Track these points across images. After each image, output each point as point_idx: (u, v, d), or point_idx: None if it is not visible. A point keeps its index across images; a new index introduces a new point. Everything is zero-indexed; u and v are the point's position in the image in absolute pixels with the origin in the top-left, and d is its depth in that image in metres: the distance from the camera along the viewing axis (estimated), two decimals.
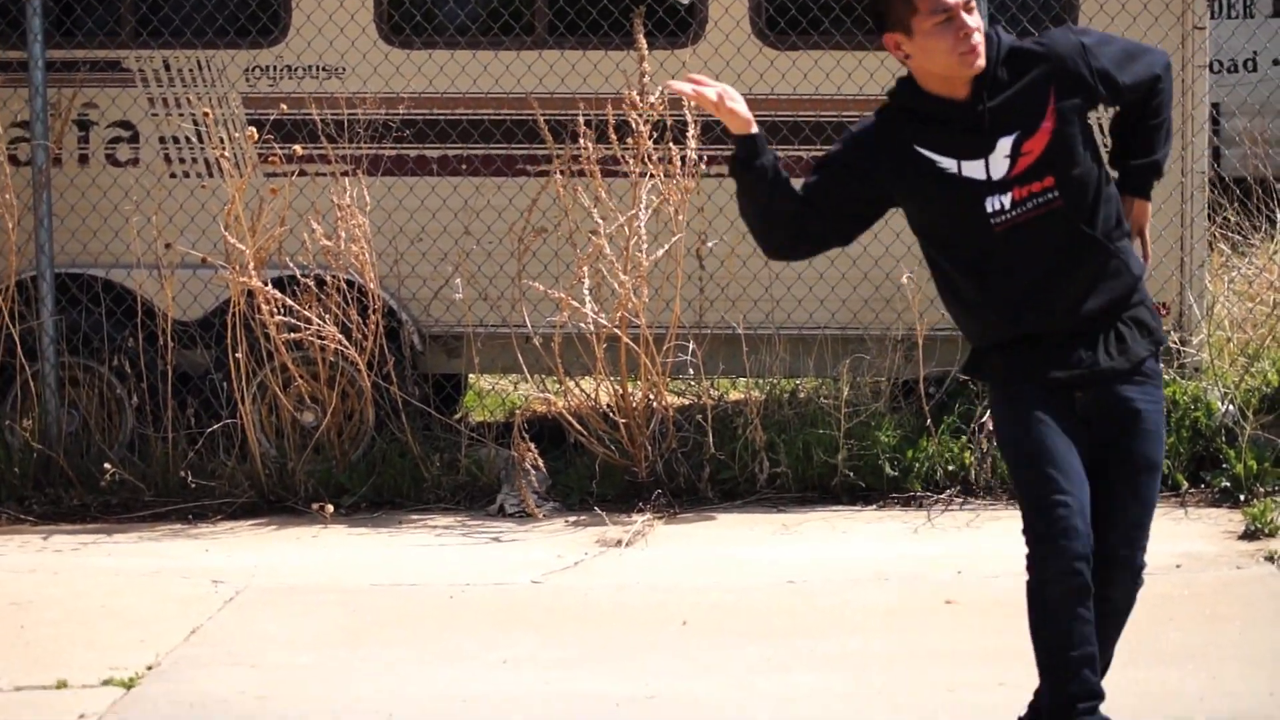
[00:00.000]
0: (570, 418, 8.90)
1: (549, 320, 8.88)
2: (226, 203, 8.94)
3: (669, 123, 8.71)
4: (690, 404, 9.37)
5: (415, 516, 8.91)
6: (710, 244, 9.06)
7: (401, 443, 9.08)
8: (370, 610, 7.47)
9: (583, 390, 9.08)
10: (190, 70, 9.45)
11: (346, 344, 8.92)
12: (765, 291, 9.22)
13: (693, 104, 8.59)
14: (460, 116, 9.36)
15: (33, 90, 9.27)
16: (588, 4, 9.27)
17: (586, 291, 8.67)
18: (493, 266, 9.30)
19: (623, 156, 8.72)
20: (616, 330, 8.73)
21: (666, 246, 8.75)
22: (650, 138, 8.68)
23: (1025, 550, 5.12)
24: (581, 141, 8.69)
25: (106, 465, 8.98)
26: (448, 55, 9.35)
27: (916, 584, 7.62)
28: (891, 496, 8.84)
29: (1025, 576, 5.12)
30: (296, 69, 9.43)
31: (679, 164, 8.69)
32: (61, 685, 6.57)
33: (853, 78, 9.14)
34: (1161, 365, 5.31)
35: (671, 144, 8.70)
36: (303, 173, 9.14)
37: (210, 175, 9.37)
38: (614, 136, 8.65)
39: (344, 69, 9.40)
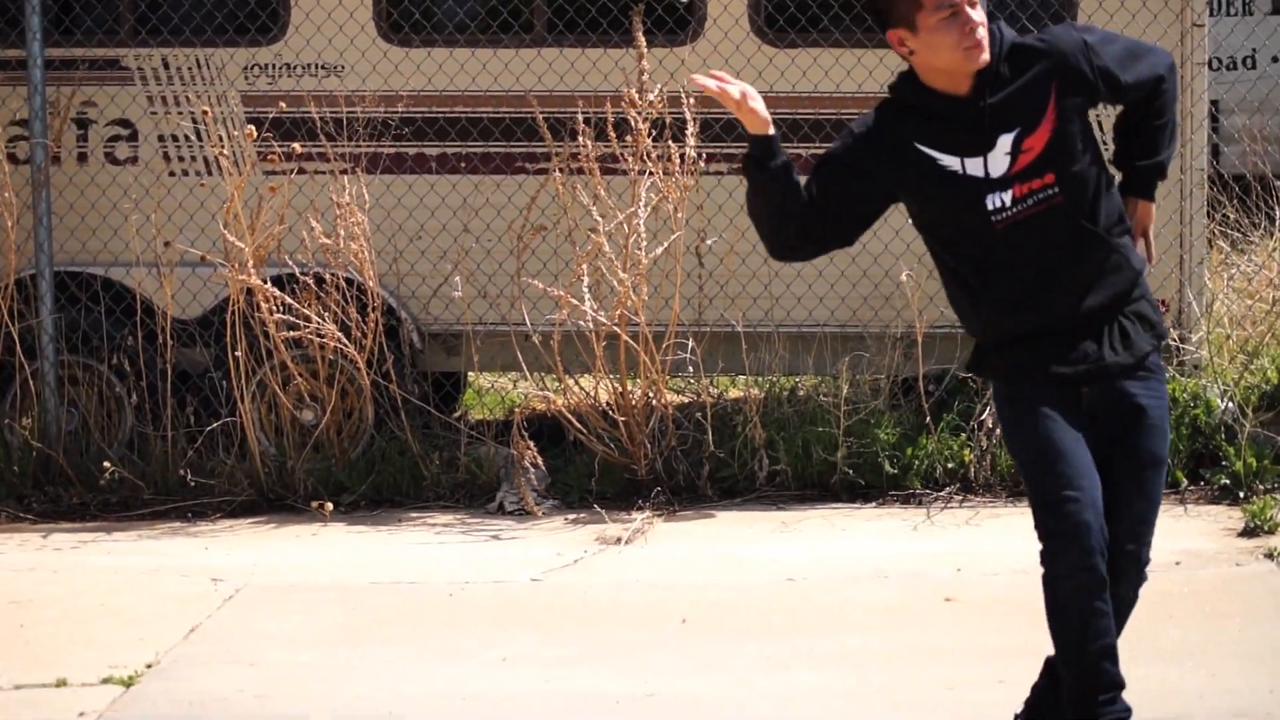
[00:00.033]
0: (569, 416, 8.90)
1: (548, 318, 8.88)
2: (225, 201, 8.94)
3: (668, 120, 8.71)
4: (690, 402, 9.37)
5: (415, 514, 8.91)
6: (709, 242, 9.06)
7: (401, 441, 9.08)
8: (370, 608, 7.47)
9: (582, 388, 9.08)
10: (189, 68, 9.44)
11: (346, 342, 8.92)
12: (764, 289, 9.22)
13: (692, 102, 8.66)
14: (459, 114, 9.36)
15: (31, 88, 9.27)
16: (586, 2, 9.27)
17: (586, 289, 8.67)
18: (492, 264, 9.30)
19: (622, 154, 8.72)
20: (616, 328, 8.73)
21: (666, 244, 8.75)
22: (649, 135, 8.68)
23: (1038, 547, 5.12)
24: (580, 139, 8.69)
25: (106, 464, 8.98)
26: (446, 53, 9.35)
27: (916, 582, 7.62)
28: (891, 494, 8.84)
29: (1038, 572, 5.13)
30: (295, 67, 9.43)
31: (678, 162, 8.69)
32: (61, 683, 6.57)
33: (851, 75, 9.14)
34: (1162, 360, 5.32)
35: (670, 142, 8.69)
36: (302, 171, 9.14)
37: (209, 173, 9.36)
38: (613, 134, 8.65)
39: (343, 67, 9.40)
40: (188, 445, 9.09)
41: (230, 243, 8.80)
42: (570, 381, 9.00)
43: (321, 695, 6.45)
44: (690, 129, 8.67)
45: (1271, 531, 8.05)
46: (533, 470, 8.84)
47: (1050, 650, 5.44)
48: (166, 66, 9.45)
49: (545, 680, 6.55)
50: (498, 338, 9.23)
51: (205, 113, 9.19)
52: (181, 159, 9.47)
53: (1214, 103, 11.37)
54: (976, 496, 8.78)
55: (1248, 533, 8.10)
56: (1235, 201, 10.64)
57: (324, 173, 9.14)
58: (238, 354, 8.92)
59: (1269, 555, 7.76)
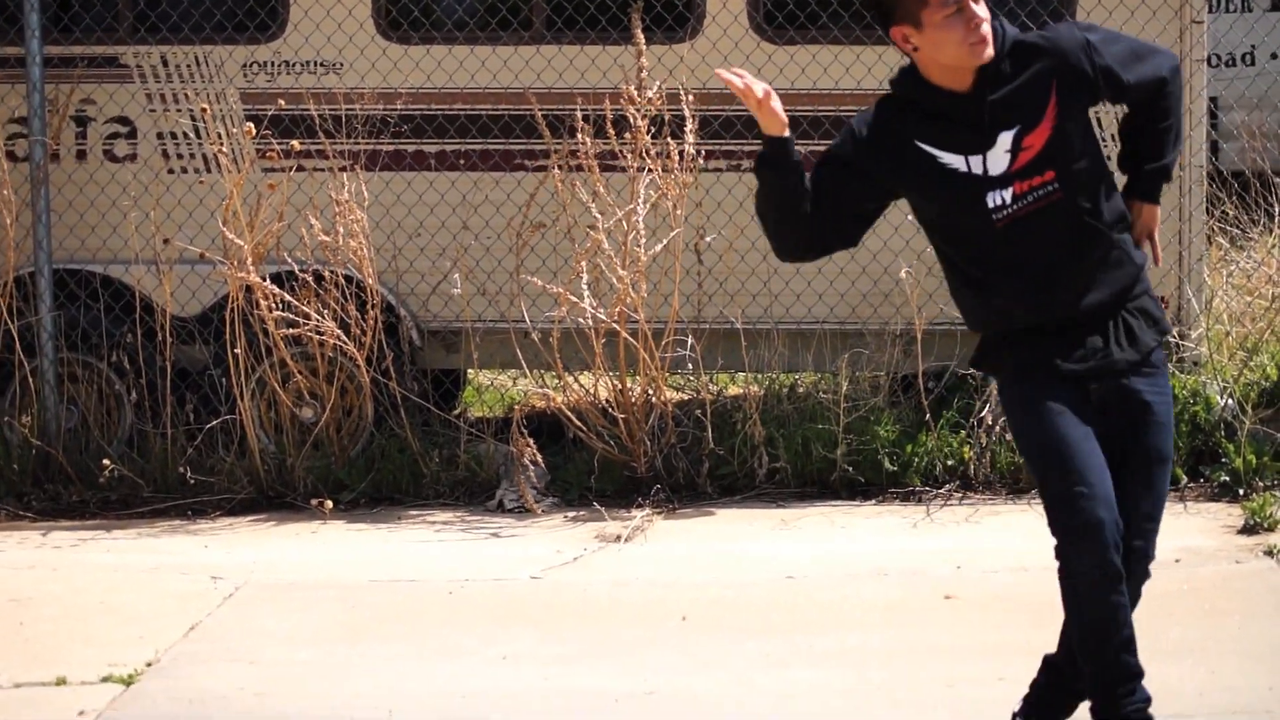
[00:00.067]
0: (569, 413, 8.90)
1: (547, 315, 8.88)
2: (224, 198, 8.93)
3: (667, 117, 8.71)
4: (689, 399, 9.37)
5: (414, 512, 8.90)
6: (708, 239, 9.06)
7: (400, 438, 9.08)
8: (369, 606, 7.47)
9: (581, 385, 9.07)
10: (188, 66, 9.44)
11: (345, 339, 8.92)
12: (764, 286, 9.22)
13: (691, 99, 8.66)
14: (458, 111, 9.35)
15: (30, 86, 9.27)
16: None
17: (585, 286, 8.67)
18: (491, 261, 9.30)
19: (621, 151, 8.72)
20: (615, 325, 8.73)
21: (665, 241, 8.75)
22: (648, 132, 8.67)
23: (1047, 543, 5.13)
24: (579, 136, 8.69)
25: (105, 461, 8.97)
26: (445, 50, 9.34)
27: (916, 579, 7.62)
28: (890, 491, 8.84)
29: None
30: (294, 64, 9.42)
31: (677, 159, 8.69)
32: (61, 682, 6.57)
33: (850, 72, 9.14)
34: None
35: (669, 139, 8.69)
36: (300, 168, 9.14)
37: (208, 171, 9.36)
38: (612, 131, 8.65)
39: (342, 64, 9.40)
40: (187, 443, 9.09)
41: (229, 240, 8.80)
42: (570, 379, 8.99)
43: (321, 693, 6.45)
44: (689, 126, 8.66)
45: (1271, 529, 8.05)
46: (532, 468, 8.84)
47: (1050, 648, 5.46)
48: (165, 64, 9.45)
49: (545, 678, 6.55)
50: (497, 335, 9.23)
51: (204, 110, 9.18)
52: (180, 156, 9.47)
53: (1213, 99, 11.37)
54: (976, 494, 8.78)
55: (1247, 530, 8.10)
56: (1234, 198, 10.64)
57: (323, 170, 9.14)
58: (237, 351, 8.92)
59: (1269, 552, 7.75)
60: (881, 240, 8.91)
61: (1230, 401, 8.75)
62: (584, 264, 8.67)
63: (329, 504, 8.76)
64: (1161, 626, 6.67)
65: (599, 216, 8.66)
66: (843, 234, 5.33)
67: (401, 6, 9.43)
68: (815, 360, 9.15)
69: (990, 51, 5.10)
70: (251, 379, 9.07)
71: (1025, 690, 5.50)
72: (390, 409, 9.08)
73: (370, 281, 8.98)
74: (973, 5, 5.07)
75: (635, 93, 8.64)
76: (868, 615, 7.16)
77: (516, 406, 9.32)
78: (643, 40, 8.70)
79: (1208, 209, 9.54)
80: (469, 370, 10.22)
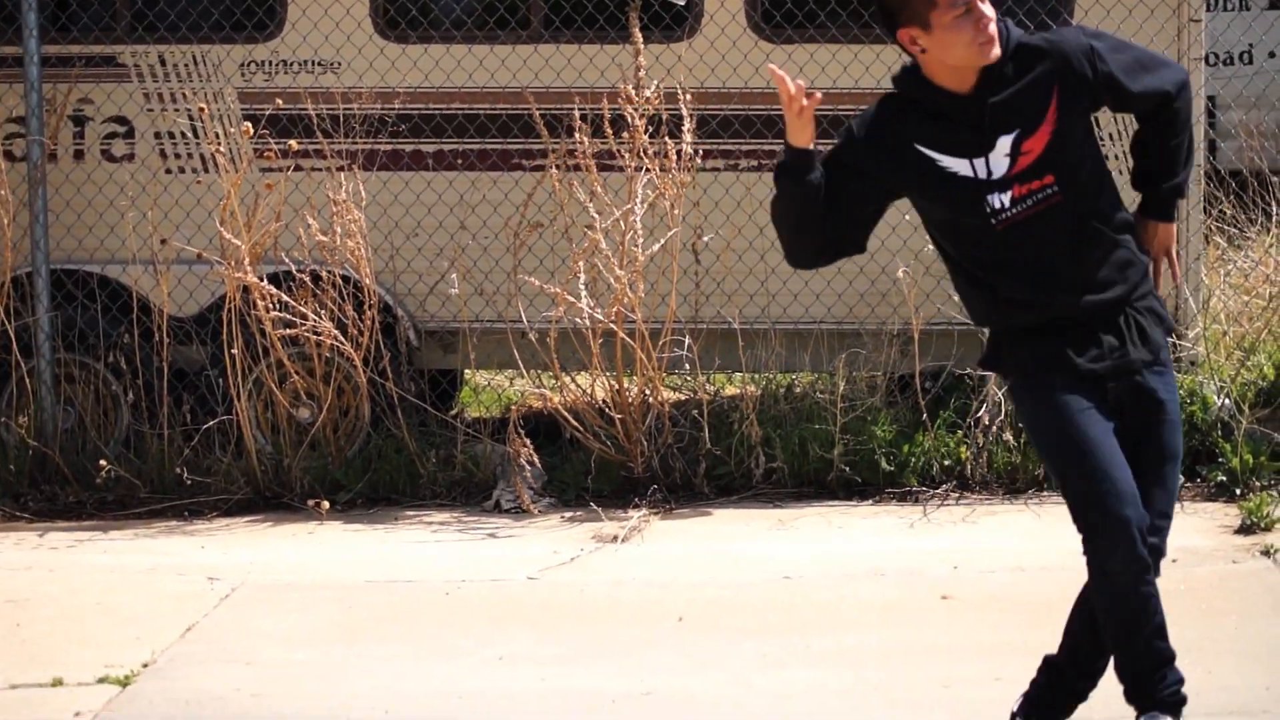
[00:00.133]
0: (566, 413, 8.89)
1: (545, 315, 8.87)
2: (222, 198, 8.93)
3: (664, 117, 8.70)
4: (686, 399, 9.37)
5: (411, 513, 8.90)
6: (706, 238, 9.06)
7: (397, 439, 9.07)
8: (366, 607, 7.47)
9: (578, 386, 9.07)
10: (186, 65, 9.44)
11: (342, 340, 8.92)
12: (761, 286, 9.22)
13: (689, 98, 8.65)
14: (456, 111, 9.35)
15: (28, 85, 9.27)
16: None
17: (582, 286, 8.66)
18: (488, 261, 9.29)
19: (618, 151, 8.71)
20: (612, 325, 8.73)
21: (662, 241, 8.74)
22: (646, 132, 8.67)
23: (1080, 540, 5.15)
24: (577, 136, 8.68)
25: (102, 462, 8.97)
26: (443, 49, 9.34)
27: (913, 579, 7.62)
28: (887, 491, 8.83)
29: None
30: (292, 64, 9.42)
31: (674, 158, 8.68)
32: (57, 683, 6.56)
33: (848, 71, 9.13)
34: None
35: (667, 138, 8.69)
36: (298, 168, 9.13)
37: (206, 170, 9.36)
38: (609, 131, 8.64)
39: (339, 64, 9.39)
40: (184, 443, 9.08)
41: (227, 240, 8.80)
42: (567, 379, 8.99)
43: (318, 694, 6.45)
44: (687, 125, 8.66)
45: (1268, 529, 8.05)
46: (529, 468, 8.84)
47: (1047, 648, 5.47)
48: (163, 63, 9.44)
49: (542, 679, 6.55)
50: (494, 335, 9.22)
51: (202, 110, 9.18)
52: (178, 156, 9.47)
53: (1210, 98, 11.37)
54: (973, 494, 8.77)
55: (1244, 530, 8.09)
56: (1232, 197, 10.63)
57: (321, 170, 9.14)
58: (234, 352, 8.92)
59: (1265, 552, 7.75)
60: (879, 240, 8.84)
61: (1227, 401, 8.74)
62: (581, 264, 8.67)
63: (326, 504, 8.76)
64: None
65: (596, 216, 8.66)
66: (851, 238, 5.31)
67: (399, 6, 9.43)
68: (812, 360, 9.15)
69: (997, 50, 5.10)
70: (248, 379, 9.07)
71: (1022, 690, 5.50)
72: (387, 409, 9.07)
73: (367, 281, 8.97)
74: (980, 5, 5.06)
75: (633, 92, 8.64)
76: (865, 615, 7.16)
77: (513, 407, 9.32)
78: (640, 39, 8.70)
79: (1205, 208, 9.54)
80: (466, 370, 10.22)
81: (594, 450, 8.90)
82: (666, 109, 8.69)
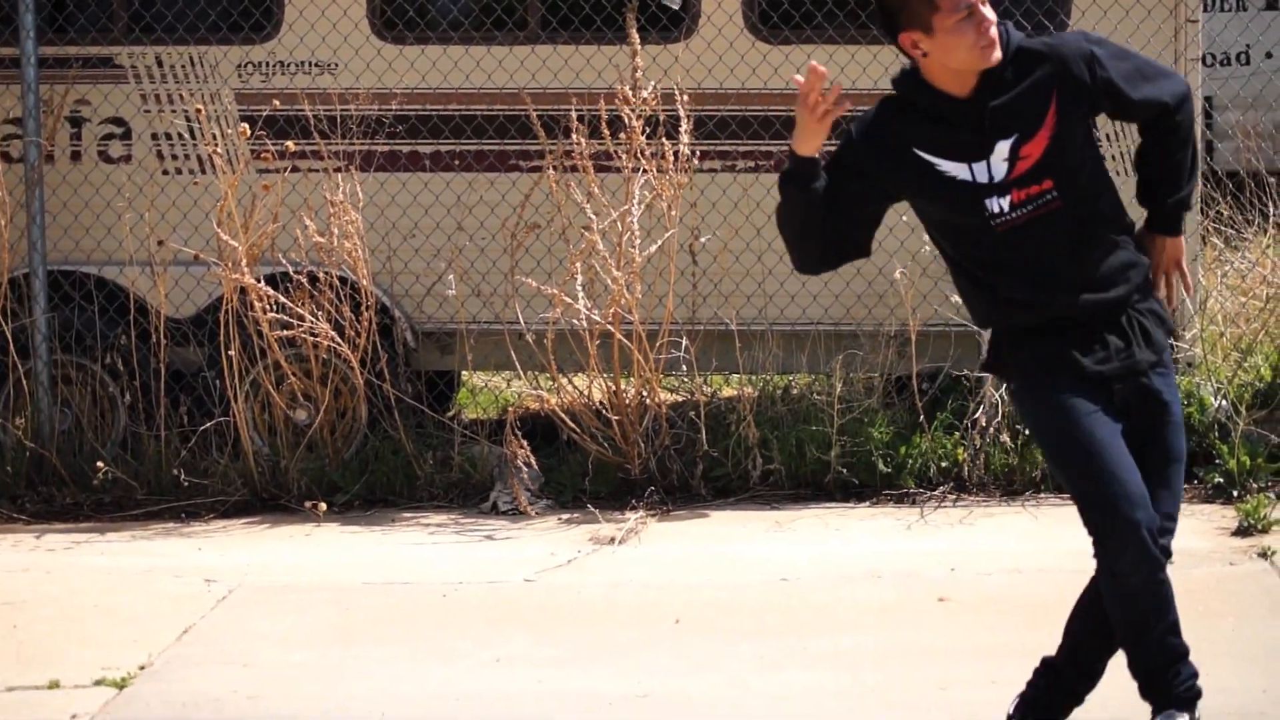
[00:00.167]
0: (563, 415, 8.89)
1: (542, 317, 8.87)
2: (219, 199, 8.93)
3: (662, 118, 8.70)
4: (683, 400, 9.37)
5: (408, 514, 8.90)
6: (703, 239, 9.06)
7: (394, 440, 9.07)
8: (363, 609, 7.47)
9: (575, 387, 9.07)
10: (183, 66, 9.44)
11: (339, 341, 8.91)
12: (758, 287, 9.22)
13: (686, 99, 8.65)
14: (453, 112, 9.35)
15: (25, 87, 9.26)
16: None
17: (579, 287, 8.66)
18: (485, 262, 9.29)
19: (615, 152, 8.71)
20: (609, 326, 8.73)
21: (659, 242, 8.74)
22: (643, 133, 8.67)
23: (1090, 541, 5.15)
24: (574, 137, 8.68)
25: (99, 463, 8.97)
26: (440, 50, 9.34)
27: (910, 581, 7.61)
28: (885, 493, 8.83)
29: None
30: (289, 65, 9.42)
31: (672, 159, 8.68)
32: (54, 685, 6.56)
33: (845, 72, 9.12)
34: None
35: (664, 139, 8.69)
36: (295, 169, 9.13)
37: (203, 172, 9.36)
38: (606, 132, 8.64)
39: (337, 64, 9.39)
40: (181, 445, 9.08)
41: (224, 241, 8.79)
42: (564, 380, 8.99)
43: (315, 696, 6.45)
44: (684, 126, 8.66)
45: (1265, 530, 8.05)
46: (526, 470, 8.83)
47: (1044, 650, 5.47)
48: (160, 64, 9.44)
49: (539, 681, 6.55)
50: (491, 336, 9.22)
51: (199, 111, 9.18)
52: (175, 157, 9.47)
53: (1208, 99, 11.37)
54: (970, 495, 8.77)
55: (1241, 532, 8.09)
56: (1229, 198, 10.64)
57: (318, 171, 9.13)
58: (231, 353, 8.92)
59: (1262, 554, 7.75)
60: (876, 241, 8.80)
61: (1224, 403, 8.74)
62: (578, 265, 8.67)
63: (323, 506, 8.75)
64: None
65: (594, 217, 8.66)
66: (853, 239, 5.32)
67: (396, 6, 9.43)
68: (809, 362, 9.15)
69: (999, 53, 5.10)
70: (245, 381, 9.07)
71: (1019, 691, 5.50)
72: (384, 411, 9.07)
73: (365, 283, 8.97)
74: (982, 8, 5.06)
75: (630, 93, 8.64)
76: (862, 617, 7.16)
77: (511, 408, 9.31)
78: (637, 40, 8.70)
79: (1202, 209, 9.53)
80: (463, 372, 10.22)
81: (591, 452, 8.89)
82: (663, 110, 8.68)
